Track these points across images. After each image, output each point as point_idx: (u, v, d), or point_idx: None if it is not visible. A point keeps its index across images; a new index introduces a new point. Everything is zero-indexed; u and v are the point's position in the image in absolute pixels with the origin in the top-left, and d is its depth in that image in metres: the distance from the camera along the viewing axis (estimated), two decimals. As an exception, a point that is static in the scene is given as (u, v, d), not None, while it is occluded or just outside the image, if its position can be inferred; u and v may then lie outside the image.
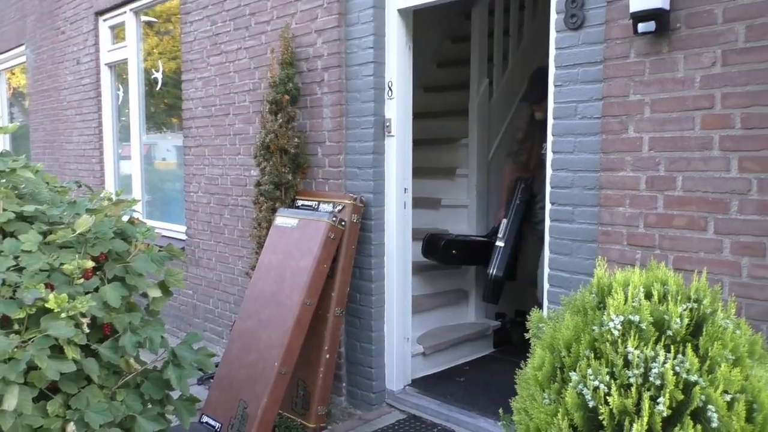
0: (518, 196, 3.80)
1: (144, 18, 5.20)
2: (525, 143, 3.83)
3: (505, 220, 3.81)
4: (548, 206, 2.58)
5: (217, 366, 3.18)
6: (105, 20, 5.51)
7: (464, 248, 4.07)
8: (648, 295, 1.60)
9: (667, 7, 2.13)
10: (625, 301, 1.56)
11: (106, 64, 5.58)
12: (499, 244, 3.80)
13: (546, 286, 2.61)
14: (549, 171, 2.56)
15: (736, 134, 2.03)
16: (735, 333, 1.52)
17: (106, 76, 5.61)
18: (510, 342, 4.24)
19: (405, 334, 3.44)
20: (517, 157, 3.96)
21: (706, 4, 2.08)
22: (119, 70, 5.55)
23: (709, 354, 1.46)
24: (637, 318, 1.50)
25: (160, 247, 2.32)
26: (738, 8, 2.01)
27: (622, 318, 1.51)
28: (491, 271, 3.80)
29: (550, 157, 2.55)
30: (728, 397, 1.40)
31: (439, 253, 3.93)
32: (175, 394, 2.21)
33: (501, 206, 4.05)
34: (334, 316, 3.21)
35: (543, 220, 3.63)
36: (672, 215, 2.18)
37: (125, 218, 2.33)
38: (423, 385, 3.54)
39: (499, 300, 3.97)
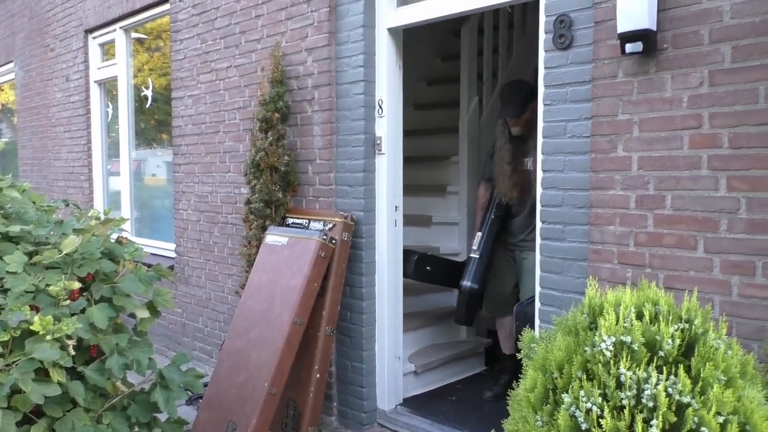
0: (492, 211, 3.65)
1: (134, 35, 5.20)
2: (501, 159, 3.55)
3: (479, 234, 3.65)
4: (539, 224, 2.58)
5: (206, 386, 3.14)
6: (95, 38, 5.50)
7: (438, 266, 3.92)
8: (639, 316, 1.60)
9: (654, 27, 2.15)
10: (617, 321, 1.55)
11: (95, 81, 5.56)
12: (474, 255, 3.62)
13: (537, 304, 2.60)
14: (539, 189, 2.56)
15: (724, 153, 2.05)
16: (727, 353, 1.52)
17: (95, 93, 5.59)
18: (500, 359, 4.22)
19: (396, 352, 3.42)
20: (491, 175, 3.71)
21: (692, 25, 2.10)
22: (109, 86, 5.54)
23: (702, 375, 1.45)
24: (628, 339, 1.50)
25: (149, 265, 2.30)
26: (724, 29, 2.04)
27: (613, 339, 1.51)
28: (465, 283, 3.57)
29: (540, 175, 2.56)
30: (721, 419, 1.40)
31: (411, 269, 3.74)
32: (162, 417, 2.18)
33: (476, 227, 3.81)
34: (325, 335, 3.18)
35: (523, 242, 3.52)
36: (662, 234, 2.19)
37: (113, 237, 2.31)
38: (415, 404, 3.51)
39: (473, 321, 3.77)
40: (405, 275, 3.56)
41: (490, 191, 3.74)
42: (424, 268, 3.78)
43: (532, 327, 2.84)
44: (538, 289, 2.60)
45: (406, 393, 3.57)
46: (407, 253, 3.67)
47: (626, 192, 2.27)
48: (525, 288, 3.49)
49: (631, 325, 1.53)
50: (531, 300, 3.04)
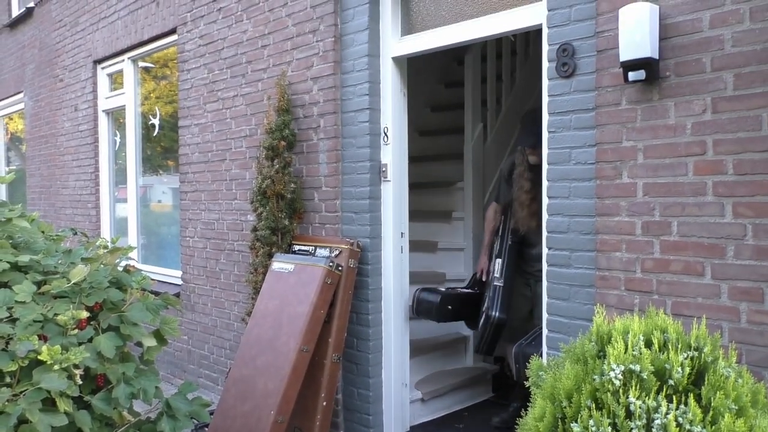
0: (509, 237, 3.58)
1: (142, 64, 5.28)
2: (520, 188, 3.47)
3: (499, 260, 3.57)
4: (545, 251, 2.58)
5: (212, 414, 3.12)
6: (103, 68, 5.59)
7: (459, 302, 3.72)
8: (648, 344, 1.59)
9: (656, 56, 2.18)
10: (626, 349, 1.55)
11: (103, 111, 5.64)
12: (498, 284, 3.52)
13: (545, 331, 2.59)
14: (545, 216, 2.57)
15: (729, 180, 2.05)
16: (737, 382, 1.51)
17: (103, 122, 5.67)
18: (509, 386, 4.17)
19: (403, 379, 3.40)
20: (504, 200, 3.67)
21: (694, 53, 2.13)
22: (116, 115, 5.61)
23: (712, 404, 1.44)
24: (638, 367, 1.49)
25: (156, 293, 2.30)
26: (726, 57, 2.06)
27: (622, 367, 1.50)
28: (493, 313, 3.45)
29: (545, 202, 2.57)
30: (733, 449, 1.38)
31: (434, 312, 3.56)
32: (168, 447, 2.16)
33: (483, 251, 3.77)
34: (332, 362, 3.17)
35: (537, 270, 3.36)
36: (669, 260, 2.19)
37: (121, 265, 2.33)
38: (421, 432, 3.48)
39: (492, 353, 3.68)
40: (426, 316, 3.54)
41: (500, 214, 3.70)
42: (446, 308, 3.59)
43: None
44: (545, 316, 2.59)
45: (413, 420, 3.54)
46: (425, 293, 3.58)
47: (632, 218, 2.27)
48: (539, 317, 3.47)
49: (640, 354, 1.52)
50: (531, 339, 3.01)
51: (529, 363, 2.79)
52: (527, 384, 3.03)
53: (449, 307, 3.60)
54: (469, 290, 3.82)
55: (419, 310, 3.54)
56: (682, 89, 2.15)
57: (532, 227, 3.37)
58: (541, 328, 2.88)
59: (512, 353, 3.03)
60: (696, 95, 2.12)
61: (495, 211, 3.74)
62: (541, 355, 2.71)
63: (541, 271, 3.41)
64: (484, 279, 3.70)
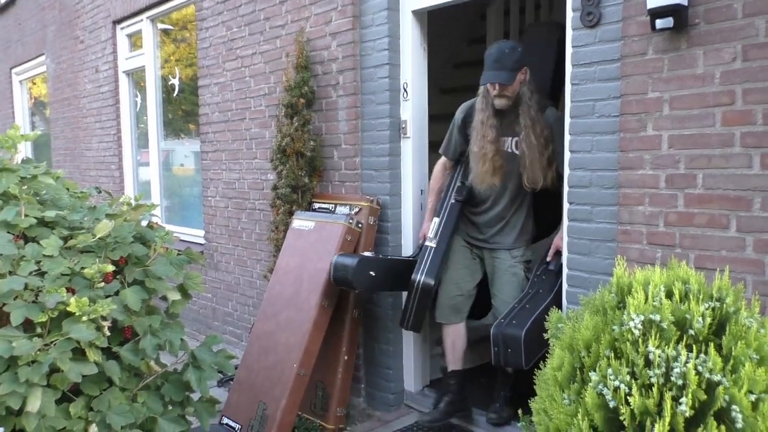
0: (453, 195, 3.06)
1: (160, 26, 5.26)
2: (483, 137, 2.87)
3: (436, 219, 3.03)
4: (566, 206, 2.55)
5: (236, 368, 3.20)
6: (122, 28, 5.58)
7: (386, 268, 3.10)
8: (669, 294, 1.58)
9: (685, 2, 2.10)
10: (646, 300, 1.54)
11: (124, 72, 5.65)
12: (430, 244, 2.99)
13: (565, 286, 2.58)
14: (567, 171, 2.54)
15: (758, 130, 2.00)
16: (759, 332, 1.50)
17: (124, 84, 5.68)
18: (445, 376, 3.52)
19: (423, 335, 3.43)
20: (456, 155, 3.12)
21: (725, -1, 2.05)
22: (137, 77, 5.62)
23: (733, 353, 1.43)
24: (658, 317, 1.48)
25: (179, 251, 2.34)
26: (758, 2, 1.98)
27: (642, 317, 1.50)
28: (418, 277, 2.93)
29: (567, 156, 2.53)
30: (753, 397, 1.38)
31: (350, 276, 2.94)
32: (195, 396, 2.23)
33: (427, 215, 3.18)
34: (352, 318, 3.21)
35: (495, 238, 2.97)
36: (693, 213, 2.15)
37: (144, 222, 2.36)
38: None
39: (421, 326, 3.12)
40: (343, 284, 2.99)
41: (451, 172, 3.17)
42: (366, 274, 2.98)
43: (516, 352, 2.53)
44: (565, 271, 2.58)
45: (434, 375, 3.59)
46: (342, 257, 3.01)
47: (656, 171, 2.23)
48: (502, 296, 2.96)
49: (661, 304, 1.52)
50: (510, 318, 2.64)
51: (510, 347, 2.55)
52: (509, 370, 2.91)
53: (371, 273, 2.99)
54: (405, 257, 3.24)
55: (336, 277, 2.99)
56: (712, 37, 2.08)
57: (495, 185, 2.90)
58: (521, 302, 2.72)
59: (491, 335, 2.64)
60: (726, 43, 2.05)
61: (444, 167, 3.18)
62: (527, 335, 2.52)
63: (497, 236, 3.02)
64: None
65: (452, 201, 3.05)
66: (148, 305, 2.18)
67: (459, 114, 3.10)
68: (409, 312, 3.01)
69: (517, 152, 2.87)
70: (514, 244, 3.01)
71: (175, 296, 2.22)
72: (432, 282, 2.93)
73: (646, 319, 1.49)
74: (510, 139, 2.91)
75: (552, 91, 3.09)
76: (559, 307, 2.56)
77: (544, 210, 3.03)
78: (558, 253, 2.78)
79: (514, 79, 2.77)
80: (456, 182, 3.09)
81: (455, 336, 3.15)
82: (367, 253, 3.14)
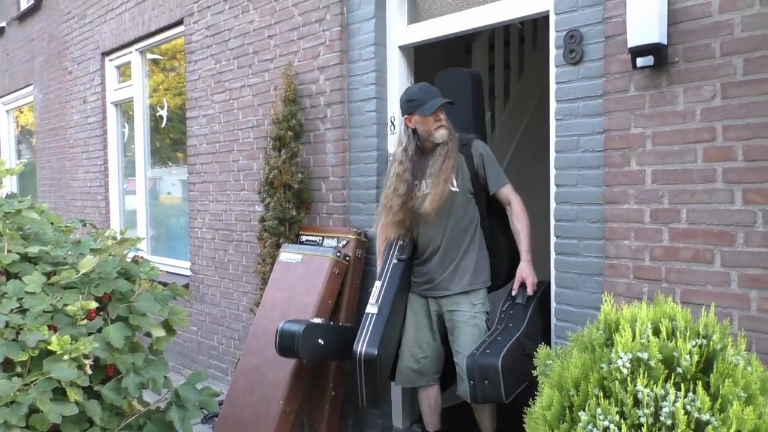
0: (394, 254, 2.85)
1: (150, 56, 5.29)
2: (399, 179, 2.72)
3: (378, 283, 2.82)
4: (553, 239, 2.57)
5: (221, 404, 3.14)
6: (111, 60, 5.60)
7: (335, 335, 2.93)
8: (656, 332, 1.58)
9: (664, 41, 2.15)
10: (633, 337, 1.54)
11: (112, 103, 5.65)
12: (371, 311, 2.76)
13: (553, 320, 2.58)
14: (553, 204, 2.56)
15: (739, 166, 2.03)
16: (746, 369, 1.50)
17: (112, 115, 5.68)
18: None
19: (411, 369, 3.39)
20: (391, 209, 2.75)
21: (703, 39, 2.10)
22: (125, 107, 5.63)
23: (721, 392, 1.43)
24: (645, 355, 1.48)
25: (164, 284, 2.32)
26: (735, 42, 2.03)
27: (630, 355, 1.49)
28: (359, 347, 2.68)
29: (553, 190, 2.55)
30: (742, 437, 1.37)
31: (297, 346, 2.74)
32: (178, 436, 2.18)
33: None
34: (339, 353, 3.18)
35: (445, 285, 2.73)
36: (678, 248, 2.17)
37: (130, 256, 2.34)
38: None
39: (380, 401, 2.84)
40: (290, 353, 2.78)
41: (387, 231, 2.87)
42: (314, 342, 2.80)
43: (494, 384, 2.36)
44: (553, 305, 2.58)
45: (422, 410, 3.53)
46: (288, 323, 2.81)
47: (641, 206, 2.25)
48: (464, 351, 2.61)
49: (648, 342, 1.52)
50: (484, 348, 2.48)
51: (487, 378, 2.33)
52: (488, 416, 2.76)
53: (320, 341, 2.82)
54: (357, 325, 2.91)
55: (282, 346, 2.78)
56: (691, 75, 2.13)
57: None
58: (492, 335, 2.55)
59: (464, 367, 2.47)
60: (705, 81, 2.10)
61: (384, 225, 2.85)
62: (504, 364, 2.34)
63: (446, 283, 2.72)
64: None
65: (394, 261, 2.85)
66: (132, 342, 2.14)
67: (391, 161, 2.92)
68: (360, 388, 2.73)
69: (454, 189, 2.70)
70: (471, 286, 2.73)
71: (159, 332, 2.19)
72: (374, 352, 2.66)
73: (634, 357, 1.49)
74: (427, 181, 2.73)
75: (474, 127, 3.01)
76: (532, 338, 2.52)
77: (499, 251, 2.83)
78: (523, 285, 2.66)
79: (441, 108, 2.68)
80: (398, 242, 2.88)
81: (432, 397, 2.94)
82: (316, 320, 2.95)
